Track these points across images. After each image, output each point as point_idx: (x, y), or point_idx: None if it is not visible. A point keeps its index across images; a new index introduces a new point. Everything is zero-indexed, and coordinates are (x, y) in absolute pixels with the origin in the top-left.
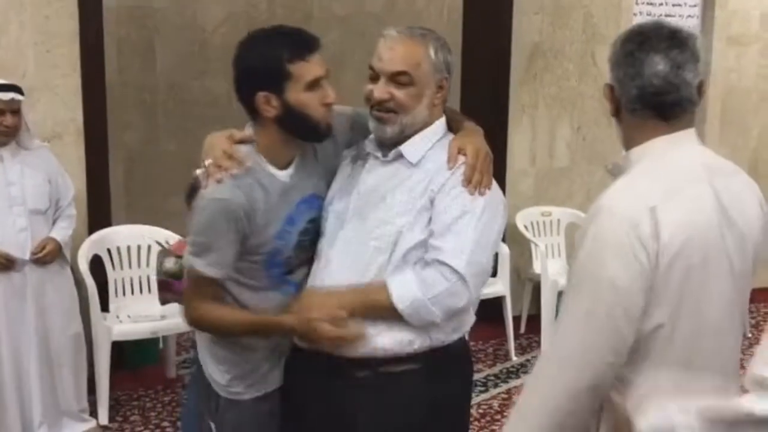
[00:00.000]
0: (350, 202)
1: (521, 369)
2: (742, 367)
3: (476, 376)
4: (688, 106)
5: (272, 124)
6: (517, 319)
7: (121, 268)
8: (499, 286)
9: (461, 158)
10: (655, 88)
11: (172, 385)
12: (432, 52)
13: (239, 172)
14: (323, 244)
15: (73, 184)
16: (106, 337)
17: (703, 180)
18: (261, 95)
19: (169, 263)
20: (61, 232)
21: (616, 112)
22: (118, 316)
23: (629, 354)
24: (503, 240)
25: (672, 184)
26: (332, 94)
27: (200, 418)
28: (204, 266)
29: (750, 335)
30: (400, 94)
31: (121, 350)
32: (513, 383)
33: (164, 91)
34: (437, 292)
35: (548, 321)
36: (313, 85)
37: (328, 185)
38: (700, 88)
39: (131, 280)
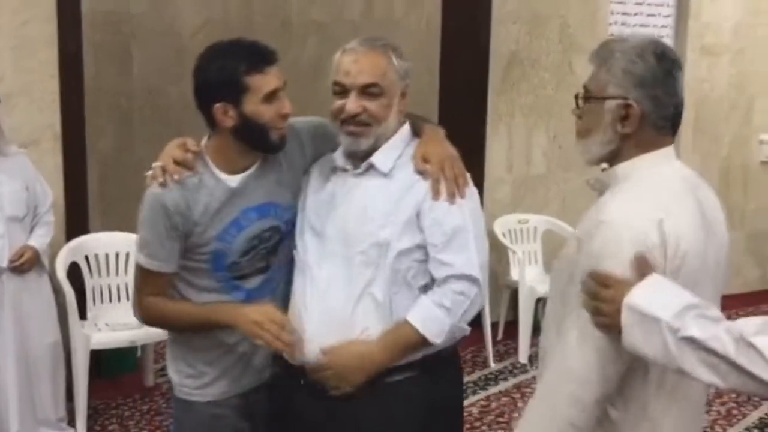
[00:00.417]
0: (328, 219)
1: (499, 376)
2: None
3: None
4: None
5: (228, 134)
6: (494, 326)
7: (99, 275)
8: None
9: (428, 167)
10: (682, 107)
11: (150, 394)
12: (395, 61)
13: (183, 177)
14: (307, 262)
15: (51, 191)
16: (84, 346)
17: (689, 193)
18: (219, 106)
19: None
20: (39, 240)
21: (632, 129)
22: (96, 324)
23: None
24: None
25: (668, 198)
26: (288, 105)
27: None
28: (144, 259)
29: None
30: (372, 105)
31: (99, 358)
32: (492, 390)
33: (141, 96)
34: (464, 311)
35: (526, 327)
36: (270, 97)
37: (295, 196)
38: None
39: (109, 287)
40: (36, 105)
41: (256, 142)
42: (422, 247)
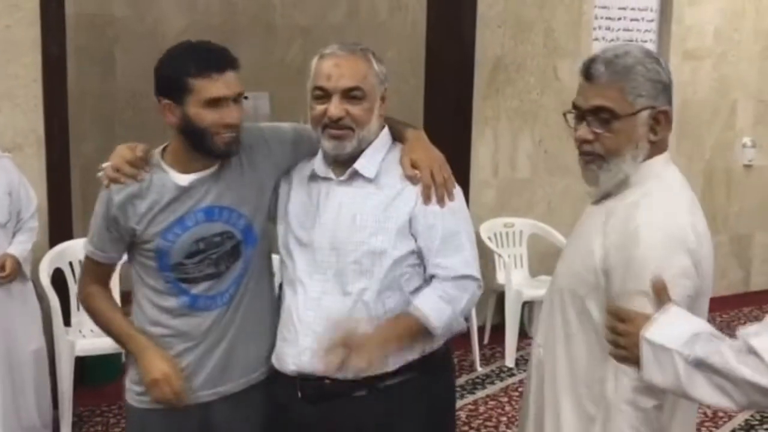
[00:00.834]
0: (315, 229)
1: (486, 380)
2: None
3: None
4: None
5: (177, 133)
6: (480, 330)
7: None
8: None
9: (417, 173)
10: None
11: None
12: (375, 65)
13: (133, 174)
14: (296, 275)
15: (36, 196)
16: (69, 352)
17: (692, 193)
18: (165, 103)
19: None
20: (20, 247)
21: (663, 135)
22: (80, 331)
23: None
24: None
25: (688, 200)
26: (234, 116)
27: None
28: (87, 246)
29: None
30: (355, 109)
31: (83, 365)
32: (479, 394)
33: (124, 100)
34: (464, 305)
35: (512, 331)
36: (213, 103)
37: (255, 203)
38: None
39: None
40: (20, 109)
41: (197, 144)
42: (415, 252)
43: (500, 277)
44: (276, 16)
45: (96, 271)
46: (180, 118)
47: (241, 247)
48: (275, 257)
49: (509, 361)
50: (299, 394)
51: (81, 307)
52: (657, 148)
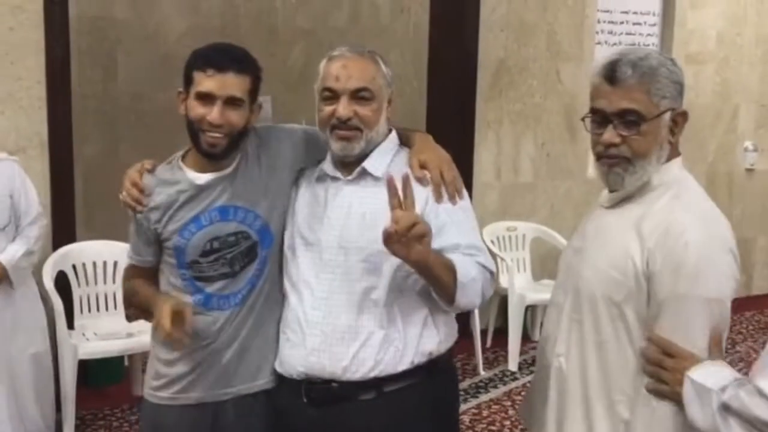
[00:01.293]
0: (322, 228)
1: (489, 384)
2: None
3: None
4: None
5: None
6: (483, 333)
7: (87, 284)
8: None
9: (427, 174)
10: None
11: (138, 404)
12: (382, 67)
13: (145, 205)
14: (302, 275)
15: (39, 203)
16: (72, 356)
17: None
18: (179, 90)
19: None
20: (10, 254)
21: (679, 135)
22: (83, 334)
23: None
24: None
25: (712, 202)
26: (216, 116)
27: None
28: (128, 252)
29: None
30: (363, 110)
31: (86, 368)
32: (482, 398)
33: (126, 102)
34: (486, 278)
35: (515, 335)
36: (203, 97)
37: (272, 204)
38: None
39: (96, 296)
40: (23, 111)
41: (192, 139)
42: None
43: (503, 281)
44: (278, 19)
45: (136, 275)
46: (184, 110)
47: (257, 248)
48: None
49: (512, 365)
50: (304, 399)
51: (84, 310)
52: (674, 150)
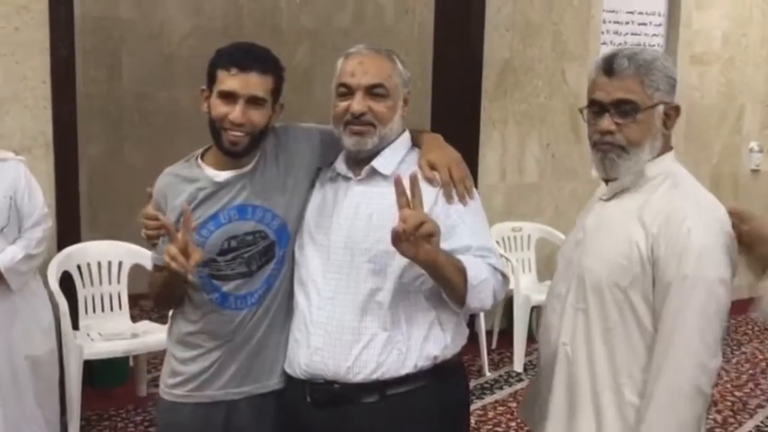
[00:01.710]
0: (331, 228)
1: (495, 385)
2: None
3: None
4: None
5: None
6: (488, 335)
7: (92, 284)
8: None
9: (436, 174)
10: None
11: (143, 404)
12: (399, 66)
13: (162, 231)
14: (310, 274)
15: (45, 204)
16: (77, 356)
17: None
18: (203, 89)
19: None
20: (8, 256)
21: (672, 129)
22: (88, 334)
23: None
24: None
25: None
26: (238, 116)
27: None
28: (152, 256)
29: None
30: (378, 106)
31: (91, 369)
32: (488, 399)
33: (130, 102)
34: (497, 280)
35: (521, 336)
36: (225, 96)
37: (290, 203)
38: None
39: (101, 296)
40: (28, 111)
41: (214, 137)
42: None
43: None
44: (282, 19)
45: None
46: (207, 108)
47: (274, 248)
48: None
49: (518, 366)
50: (308, 399)
51: (89, 311)
52: (667, 144)
